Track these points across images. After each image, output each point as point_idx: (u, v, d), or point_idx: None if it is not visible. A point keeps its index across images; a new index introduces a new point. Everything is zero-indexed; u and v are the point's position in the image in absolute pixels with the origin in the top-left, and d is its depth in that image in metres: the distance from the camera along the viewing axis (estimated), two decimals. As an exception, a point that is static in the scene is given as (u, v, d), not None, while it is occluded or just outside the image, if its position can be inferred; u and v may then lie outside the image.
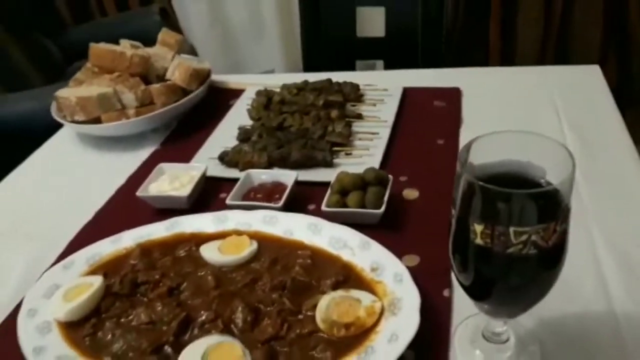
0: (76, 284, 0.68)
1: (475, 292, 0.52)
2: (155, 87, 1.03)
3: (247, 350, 0.58)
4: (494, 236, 0.43)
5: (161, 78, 1.08)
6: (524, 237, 0.42)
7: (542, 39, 2.11)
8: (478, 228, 0.44)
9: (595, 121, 0.93)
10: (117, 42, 1.12)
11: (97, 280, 0.68)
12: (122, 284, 0.68)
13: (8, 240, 0.85)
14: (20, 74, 2.33)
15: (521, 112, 0.97)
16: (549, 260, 0.45)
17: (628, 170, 0.82)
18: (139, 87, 1.03)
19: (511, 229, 0.42)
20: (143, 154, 1.01)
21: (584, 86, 1.04)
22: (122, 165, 0.98)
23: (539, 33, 2.11)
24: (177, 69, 1.06)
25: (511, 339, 0.57)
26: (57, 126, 1.11)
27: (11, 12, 2.36)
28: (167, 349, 0.60)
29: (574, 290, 0.63)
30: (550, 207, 0.42)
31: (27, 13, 2.48)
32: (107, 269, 0.71)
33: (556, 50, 2.12)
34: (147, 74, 1.07)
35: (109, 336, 0.62)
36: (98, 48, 1.08)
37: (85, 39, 2.86)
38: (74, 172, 1.01)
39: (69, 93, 1.03)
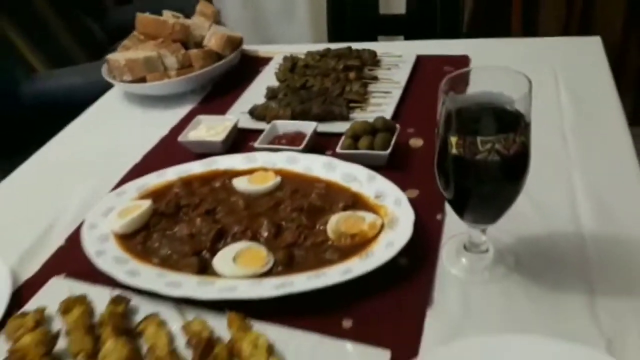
0: (128, 206, 0.82)
1: (457, 204, 0.63)
2: (194, 52, 1.16)
3: (271, 253, 0.70)
4: (465, 145, 0.54)
5: (199, 44, 1.21)
6: (488, 145, 0.53)
7: (566, 15, 2.16)
8: (453, 140, 0.55)
9: (589, 85, 1.02)
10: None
11: (146, 203, 0.81)
12: (167, 206, 0.81)
13: (69, 177, 0.99)
14: (66, 53, 2.50)
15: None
16: (512, 167, 0.56)
17: (613, 126, 0.91)
18: (180, 51, 1.16)
19: (478, 138, 0.53)
20: (182, 112, 1.14)
21: (584, 55, 1.13)
22: (164, 120, 1.12)
23: (561, 10, 2.16)
24: (213, 37, 1.19)
25: (490, 250, 0.68)
26: (98, 98, 1.25)
27: (60, -4, 2.53)
28: (205, 253, 0.73)
29: (549, 216, 0.73)
30: (510, 121, 0.53)
31: (73, -3, 2.64)
32: (154, 196, 0.85)
33: (579, 26, 2.17)
34: (187, 41, 1.20)
35: (157, 244, 0.76)
36: (144, 17, 1.21)
37: (125, 19, 3.06)
38: (122, 125, 1.16)
39: (118, 56, 1.17)
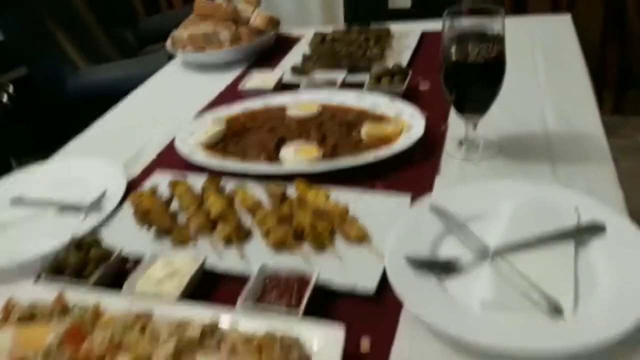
0: (207, 129, 1.08)
1: (457, 102, 0.89)
2: (243, 28, 1.44)
3: (320, 148, 0.96)
4: (461, 52, 0.81)
5: (246, 24, 1.48)
6: (476, 51, 0.80)
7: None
8: (453, 49, 0.82)
9: (559, 48, 1.29)
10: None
11: (221, 125, 1.08)
12: (238, 127, 1.07)
13: (147, 124, 1.25)
14: (104, 55, 2.81)
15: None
16: (493, 68, 0.83)
17: (575, 68, 1.18)
18: (231, 28, 1.44)
19: (469, 46, 0.80)
20: (232, 77, 1.41)
21: (557, 28, 1.40)
22: (217, 84, 1.38)
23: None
24: (258, 17, 1.47)
25: (480, 142, 0.93)
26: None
27: (100, 6, 2.86)
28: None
29: (523, 121, 0.99)
30: (491, 37, 0.80)
31: (111, 7, 2.97)
32: (226, 122, 1.11)
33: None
34: (237, 20, 1.48)
35: (233, 150, 1.02)
36: (202, 1, 1.50)
37: (153, 28, 3.41)
38: (183, 87, 1.43)
39: (181, 32, 1.45)
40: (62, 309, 0.67)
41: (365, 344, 0.62)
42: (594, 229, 0.71)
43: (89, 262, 0.75)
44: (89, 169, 1.02)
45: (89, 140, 1.22)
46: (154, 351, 0.58)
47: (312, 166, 0.92)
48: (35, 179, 1.05)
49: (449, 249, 0.72)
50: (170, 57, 1.58)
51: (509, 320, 0.62)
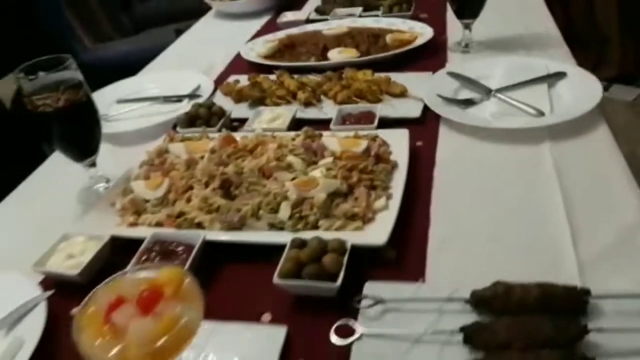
0: (261, 48, 1.39)
1: (458, 11, 1.23)
2: (267, -18, 1.76)
3: (357, 51, 1.28)
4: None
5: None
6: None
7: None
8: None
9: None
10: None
11: (274, 42, 1.39)
12: (287, 42, 1.39)
13: (187, 66, 1.53)
14: (108, 37, 3.07)
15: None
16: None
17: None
18: (258, -18, 1.75)
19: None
20: (261, 23, 1.72)
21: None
22: (250, 29, 1.68)
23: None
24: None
25: (474, 41, 1.28)
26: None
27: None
28: (319, 57, 1.30)
29: (503, 25, 1.34)
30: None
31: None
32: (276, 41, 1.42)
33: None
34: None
35: (288, 56, 1.33)
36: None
37: (149, 12, 3.66)
38: (222, 33, 1.72)
39: (216, -14, 1.75)
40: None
41: (419, 143, 0.95)
42: (559, 75, 1.06)
43: (212, 115, 1.05)
44: (179, 76, 1.31)
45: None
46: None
47: (356, 59, 1.24)
48: (131, 87, 1.33)
49: (465, 95, 1.06)
50: (179, 33, 1.83)
51: (509, 120, 0.96)
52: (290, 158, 0.84)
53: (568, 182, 0.80)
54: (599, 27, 2.81)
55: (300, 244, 0.69)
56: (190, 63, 1.45)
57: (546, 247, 0.70)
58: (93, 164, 0.93)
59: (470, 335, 0.57)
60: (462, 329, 0.58)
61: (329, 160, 0.83)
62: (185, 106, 1.17)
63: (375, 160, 0.83)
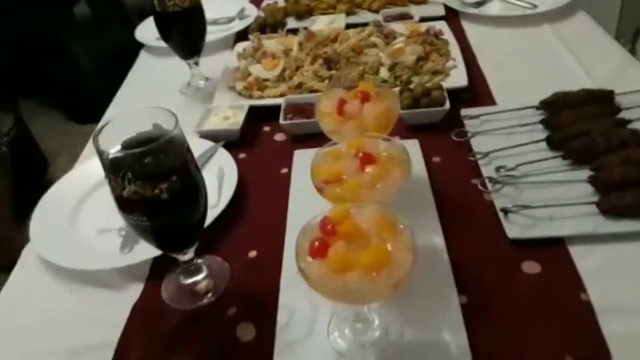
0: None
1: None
2: None
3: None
4: None
5: None
6: None
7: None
8: None
9: None
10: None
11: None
12: None
13: None
14: None
15: None
16: None
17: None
18: None
19: None
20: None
21: None
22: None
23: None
24: None
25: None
26: None
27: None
28: None
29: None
30: None
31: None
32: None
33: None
34: None
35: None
36: None
37: None
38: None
39: None
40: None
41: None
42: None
43: (278, 23, 1.27)
44: (221, 2, 1.49)
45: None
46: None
47: None
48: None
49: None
50: None
51: (516, 11, 1.26)
52: (373, 38, 1.09)
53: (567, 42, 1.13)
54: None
55: (407, 89, 0.95)
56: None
57: (565, 80, 1.02)
58: (197, 63, 1.12)
59: (548, 122, 0.87)
60: (542, 121, 0.87)
61: (402, 39, 1.09)
62: (239, 24, 1.37)
63: (435, 37, 1.10)
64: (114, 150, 0.60)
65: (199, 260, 0.72)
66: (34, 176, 2.38)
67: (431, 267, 0.67)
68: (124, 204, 0.59)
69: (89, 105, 1.89)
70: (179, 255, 0.68)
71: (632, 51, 2.32)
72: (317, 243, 0.54)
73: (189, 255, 0.68)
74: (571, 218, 0.71)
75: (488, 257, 0.70)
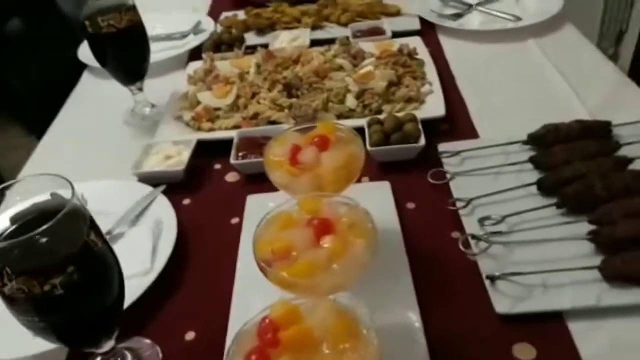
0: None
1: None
2: None
3: None
4: None
5: None
6: None
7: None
8: None
9: None
10: None
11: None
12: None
13: (172, 8, 1.58)
14: None
15: None
16: None
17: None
18: None
19: None
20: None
21: None
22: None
23: None
24: None
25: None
26: None
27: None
28: None
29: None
30: None
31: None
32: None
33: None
34: None
35: None
36: None
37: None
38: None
39: None
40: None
41: (429, 48, 1.11)
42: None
43: (235, 39, 1.14)
44: (175, 16, 1.35)
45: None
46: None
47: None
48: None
49: (449, 11, 1.24)
50: None
51: (497, 25, 1.15)
52: (339, 60, 0.96)
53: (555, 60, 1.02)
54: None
55: (377, 122, 0.83)
56: (174, 4, 1.49)
57: (555, 105, 0.91)
58: (141, 88, 0.99)
59: (538, 161, 0.75)
60: (531, 159, 0.76)
61: (371, 60, 0.97)
62: (193, 40, 1.23)
63: (408, 57, 0.98)
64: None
65: (122, 346, 0.59)
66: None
67: (405, 352, 0.55)
68: (9, 303, 0.46)
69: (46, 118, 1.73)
70: (93, 349, 0.55)
71: (616, 54, 2.24)
72: (253, 358, 0.41)
73: (107, 346, 0.55)
74: (570, 286, 0.59)
75: (473, 338, 0.58)
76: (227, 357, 0.42)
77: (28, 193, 0.50)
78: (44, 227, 0.43)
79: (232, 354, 0.42)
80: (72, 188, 0.47)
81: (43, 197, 0.49)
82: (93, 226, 0.48)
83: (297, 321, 0.44)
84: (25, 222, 0.48)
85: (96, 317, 0.51)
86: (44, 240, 0.44)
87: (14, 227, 0.48)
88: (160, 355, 0.60)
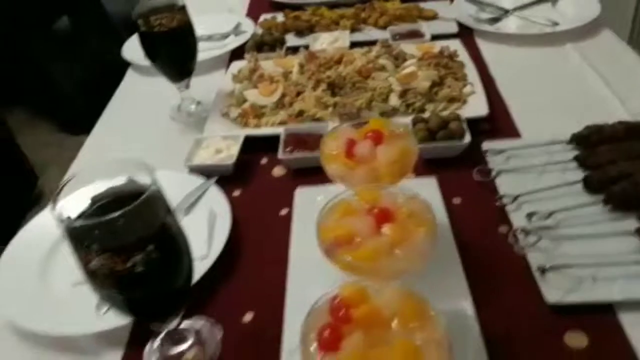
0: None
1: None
2: None
3: None
4: None
5: None
6: None
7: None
8: None
9: None
10: None
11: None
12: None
13: (209, 10, 1.61)
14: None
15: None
16: None
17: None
18: None
19: None
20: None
21: None
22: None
23: None
24: None
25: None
26: None
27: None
28: None
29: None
30: None
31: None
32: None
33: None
34: None
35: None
36: None
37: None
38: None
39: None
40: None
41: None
42: (558, -5, 1.28)
43: (276, 40, 1.17)
44: (216, 17, 1.39)
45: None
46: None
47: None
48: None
49: (485, 16, 1.26)
50: None
51: (534, 29, 1.17)
52: (382, 61, 0.99)
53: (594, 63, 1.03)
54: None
55: (421, 120, 0.85)
56: (210, 7, 1.52)
57: (595, 107, 0.92)
58: (187, 85, 1.02)
59: (583, 160, 0.77)
60: (576, 158, 0.77)
61: (413, 61, 0.99)
62: (234, 41, 1.27)
63: (449, 59, 1.00)
64: (80, 209, 0.50)
65: (186, 325, 0.62)
66: (21, 190, 2.28)
67: (460, 339, 0.57)
68: (91, 278, 0.49)
69: (80, 116, 1.78)
70: (160, 325, 0.58)
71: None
72: (327, 332, 0.43)
73: (172, 323, 0.58)
74: (620, 279, 0.61)
75: (525, 326, 0.59)
76: (301, 336, 0.45)
77: (104, 176, 0.52)
78: (129, 207, 0.46)
79: (306, 329, 0.44)
80: (153, 172, 0.49)
81: (118, 181, 0.52)
82: (168, 209, 0.51)
83: (366, 301, 0.46)
84: (103, 204, 0.51)
85: (169, 293, 0.53)
86: (127, 220, 0.46)
87: (93, 208, 0.51)
88: (220, 335, 0.62)
